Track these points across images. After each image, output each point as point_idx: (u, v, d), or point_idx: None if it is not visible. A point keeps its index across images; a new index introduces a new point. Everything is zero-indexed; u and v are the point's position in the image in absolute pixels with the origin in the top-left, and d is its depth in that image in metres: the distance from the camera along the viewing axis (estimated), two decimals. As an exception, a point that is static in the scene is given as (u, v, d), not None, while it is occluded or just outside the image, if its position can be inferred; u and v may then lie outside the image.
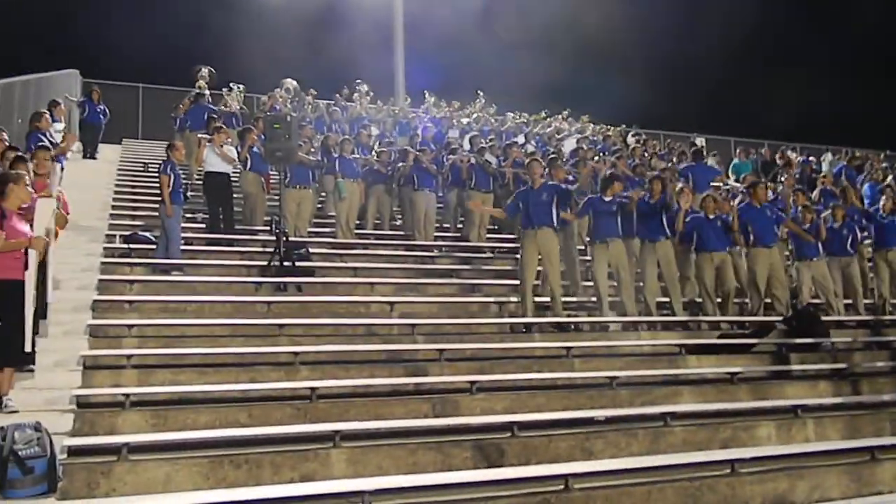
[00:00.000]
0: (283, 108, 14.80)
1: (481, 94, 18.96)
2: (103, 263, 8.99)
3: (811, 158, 17.54)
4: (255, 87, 17.48)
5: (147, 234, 10.00)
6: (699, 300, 9.59)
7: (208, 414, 5.80)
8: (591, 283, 9.53)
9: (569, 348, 7.80)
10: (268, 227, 10.71)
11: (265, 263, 9.26)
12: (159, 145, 13.30)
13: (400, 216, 12.66)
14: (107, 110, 15.59)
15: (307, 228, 11.23)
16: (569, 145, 15.96)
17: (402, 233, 12.19)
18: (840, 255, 10.25)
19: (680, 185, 10.28)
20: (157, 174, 10.02)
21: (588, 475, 5.09)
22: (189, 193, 10.16)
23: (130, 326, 7.34)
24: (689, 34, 25.13)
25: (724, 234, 9.49)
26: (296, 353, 6.96)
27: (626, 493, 5.10)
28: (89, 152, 14.94)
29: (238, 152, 11.18)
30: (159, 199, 9.61)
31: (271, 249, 9.40)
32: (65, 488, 4.59)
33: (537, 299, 8.96)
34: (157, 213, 9.79)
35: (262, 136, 10.86)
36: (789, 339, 8.61)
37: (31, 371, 6.01)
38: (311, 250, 10.10)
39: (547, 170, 9.71)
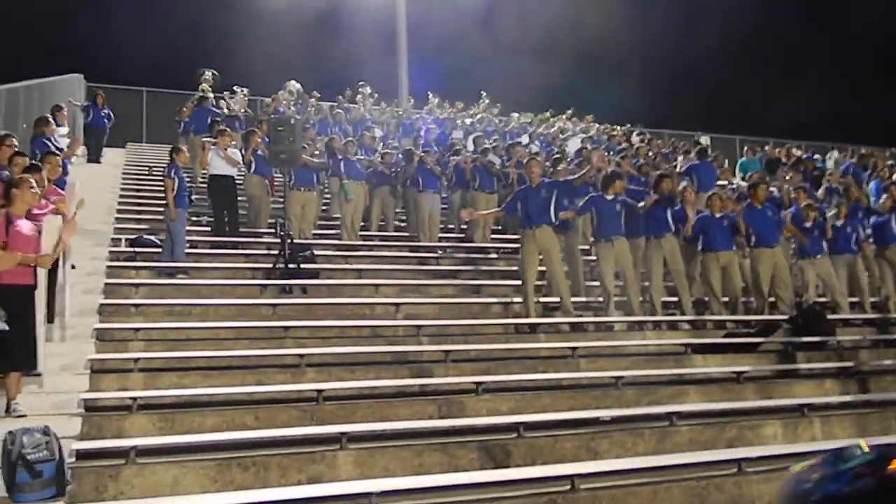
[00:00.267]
0: (286, 111, 14.83)
1: (484, 94, 18.98)
2: (109, 267, 9.03)
3: (816, 156, 17.49)
4: (258, 89, 17.54)
5: (152, 237, 10.04)
6: (705, 299, 9.58)
7: (215, 417, 5.82)
8: (594, 283, 9.54)
9: (574, 348, 7.80)
10: (272, 230, 10.74)
11: (270, 266, 9.28)
12: (163, 149, 13.33)
13: (404, 218, 12.68)
14: (111, 114, 15.65)
15: (312, 231, 11.25)
16: (573, 145, 15.95)
17: (406, 234, 12.20)
18: (844, 252, 10.22)
19: (684, 184, 10.26)
20: (161, 178, 10.06)
21: (594, 475, 5.09)
22: (193, 197, 10.19)
23: (136, 330, 7.36)
24: (690, 34, 25.11)
25: (731, 234, 9.48)
26: (301, 355, 6.97)
27: (632, 493, 5.10)
28: (94, 156, 15.00)
29: (242, 155, 11.21)
30: (164, 202, 9.64)
31: (276, 252, 9.43)
32: (73, 492, 4.61)
33: (542, 299, 8.96)
34: (161, 217, 9.83)
35: (266, 139, 10.89)
36: (795, 337, 8.59)
37: (38, 375, 6.03)
38: (315, 252, 10.11)
39: (551, 169, 9.71)
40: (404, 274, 10.12)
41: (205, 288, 8.84)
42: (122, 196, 12.65)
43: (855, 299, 10.26)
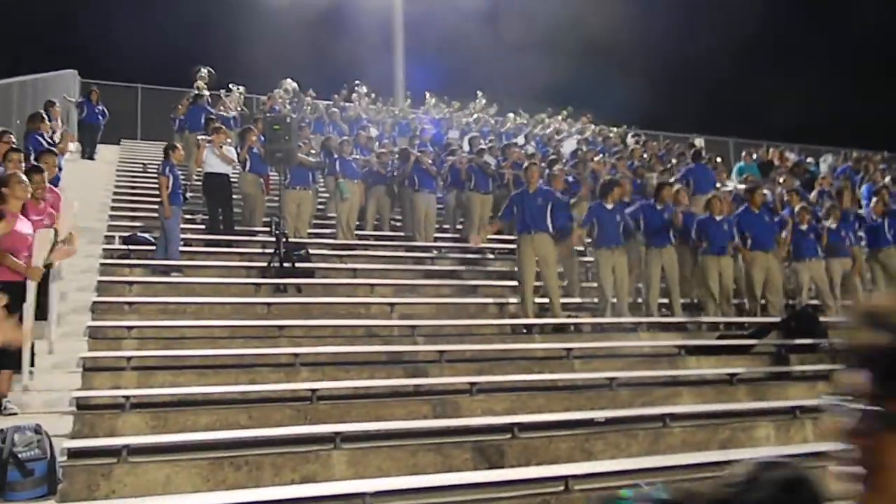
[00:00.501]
0: (282, 109, 14.80)
1: (480, 94, 18.97)
2: (102, 265, 8.98)
3: (809, 159, 17.54)
4: (254, 87, 17.49)
5: (146, 235, 10.00)
6: (695, 301, 9.60)
7: (208, 415, 5.80)
8: (589, 284, 9.55)
9: (569, 349, 7.80)
10: (267, 229, 10.71)
11: (265, 265, 9.26)
12: (158, 146, 13.30)
13: (400, 217, 12.67)
14: (105, 111, 15.57)
15: (307, 230, 11.23)
16: (568, 146, 15.96)
17: (402, 234, 12.19)
18: (838, 255, 10.26)
19: (678, 186, 10.29)
20: (156, 175, 10.03)
21: (588, 476, 5.10)
22: (188, 194, 10.16)
23: (130, 328, 7.34)
24: (689, 34, 25.15)
25: (731, 237, 9.53)
26: (296, 355, 6.96)
27: (626, 495, 5.10)
28: (88, 153, 14.92)
29: (237, 153, 11.18)
30: (158, 200, 9.61)
31: (271, 250, 9.40)
32: (65, 490, 4.59)
33: (538, 300, 8.97)
34: (156, 215, 9.79)
35: (262, 138, 10.86)
36: (788, 340, 8.62)
37: (31, 373, 6.00)
38: (311, 251, 10.10)
39: (547, 170, 9.71)
40: (400, 274, 10.11)
41: (199, 286, 8.81)
42: (116, 193, 12.60)
43: (848, 302, 10.29)
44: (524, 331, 8.51)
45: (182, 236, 9.73)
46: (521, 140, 16.29)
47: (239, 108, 15.18)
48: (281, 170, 10.62)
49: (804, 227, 10.07)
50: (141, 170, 14.47)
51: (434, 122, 17.11)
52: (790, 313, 9.24)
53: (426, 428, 5.85)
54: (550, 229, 8.77)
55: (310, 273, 9.43)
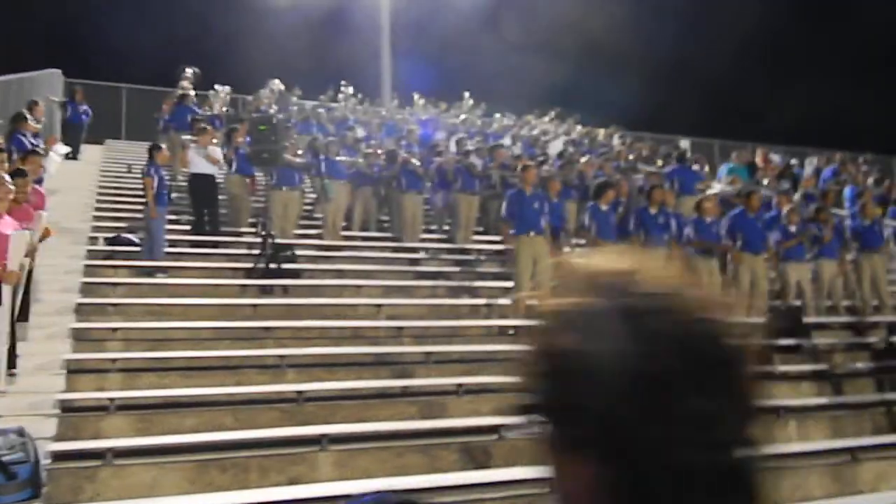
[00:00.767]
0: (268, 110, 14.74)
1: (467, 95, 19.00)
2: (86, 266, 8.92)
3: (793, 162, 17.71)
4: (241, 87, 17.39)
5: (131, 236, 9.93)
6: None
7: (194, 417, 5.78)
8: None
9: (555, 350, 7.83)
10: (253, 229, 10.67)
11: (251, 266, 9.23)
12: (143, 146, 13.22)
13: (387, 218, 12.67)
14: (89, 111, 15.46)
15: (293, 230, 11.20)
16: (555, 147, 16.03)
17: (389, 235, 12.19)
18: (828, 257, 10.38)
19: (667, 185, 10.38)
20: (140, 176, 9.97)
21: (574, 477, 5.12)
22: (173, 195, 10.11)
23: (115, 329, 7.29)
24: (679, 38, 25.32)
25: (717, 239, 9.62)
26: (282, 356, 6.94)
27: (611, 495, 5.13)
28: (72, 153, 14.79)
29: (224, 153, 11.14)
30: (143, 201, 9.55)
31: (257, 251, 9.37)
32: (49, 493, 4.56)
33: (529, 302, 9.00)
34: (140, 215, 9.73)
35: (248, 138, 10.83)
36: (771, 340, 8.69)
37: (13, 375, 5.95)
38: (297, 252, 10.07)
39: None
40: (386, 275, 10.11)
41: (185, 287, 8.76)
42: (100, 194, 12.50)
43: (830, 303, 10.42)
44: (511, 332, 8.54)
45: (167, 237, 9.68)
46: (507, 141, 16.33)
47: (224, 109, 15.12)
48: (267, 170, 10.60)
49: (793, 228, 10.18)
50: (125, 170, 14.37)
51: (421, 122, 17.12)
52: (774, 314, 9.33)
53: (413, 429, 5.86)
54: (545, 232, 8.85)
55: (296, 274, 9.41)
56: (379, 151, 12.80)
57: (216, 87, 15.58)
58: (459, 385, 6.64)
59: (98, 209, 11.48)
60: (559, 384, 0.72)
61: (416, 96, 18.68)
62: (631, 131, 20.24)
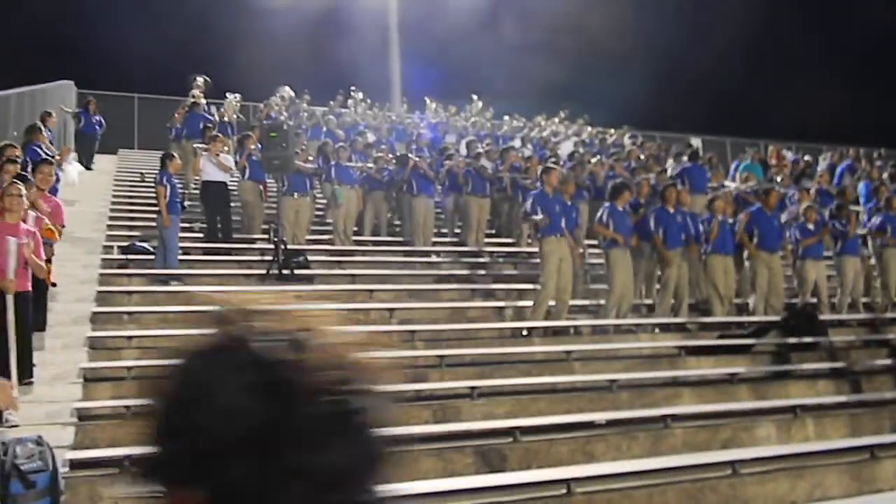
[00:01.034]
0: (279, 117, 14.82)
1: (476, 97, 19.01)
2: (101, 275, 8.99)
3: (807, 158, 17.58)
4: (251, 95, 17.51)
5: (145, 244, 10.00)
6: (692, 301, 9.63)
7: (209, 424, 5.79)
8: (587, 287, 9.57)
9: (569, 352, 7.81)
10: (266, 236, 10.72)
11: (264, 272, 9.27)
12: (155, 155, 13.33)
13: (398, 222, 12.68)
14: (102, 121, 15.59)
15: (305, 236, 11.24)
16: (565, 148, 15.99)
17: (400, 239, 12.20)
18: (850, 254, 10.30)
19: (680, 187, 10.33)
20: (153, 185, 10.04)
21: (590, 479, 5.10)
22: (186, 203, 10.17)
23: (130, 338, 7.33)
24: (687, 36, 25.22)
25: (732, 237, 9.57)
26: (296, 362, 6.94)
27: (627, 496, 5.11)
28: (85, 163, 14.93)
29: (236, 161, 11.21)
30: (156, 209, 9.62)
31: (270, 258, 9.41)
32: (67, 502, 4.59)
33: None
34: (154, 224, 9.79)
35: (260, 145, 10.89)
36: (788, 338, 8.63)
37: (30, 384, 6.00)
38: (309, 258, 10.10)
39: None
40: (399, 279, 10.12)
41: (198, 295, 8.80)
42: (113, 203, 12.60)
43: (866, 299, 10.38)
44: (525, 333, 8.51)
45: (180, 245, 9.74)
46: (517, 143, 16.32)
47: (235, 116, 15.21)
48: (278, 177, 10.64)
49: (811, 226, 10.11)
50: (138, 179, 14.48)
51: (431, 126, 17.14)
52: (790, 312, 9.26)
53: (427, 433, 5.85)
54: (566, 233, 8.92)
55: (309, 279, 9.44)
56: (390, 156, 12.83)
57: (227, 94, 15.68)
58: (473, 388, 6.63)
59: (112, 218, 11.57)
60: (171, 422, 0.70)
61: (427, 100, 18.69)
62: (640, 131, 20.18)
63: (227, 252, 10.43)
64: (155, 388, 0.72)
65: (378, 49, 21.26)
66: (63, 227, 7.22)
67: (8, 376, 5.54)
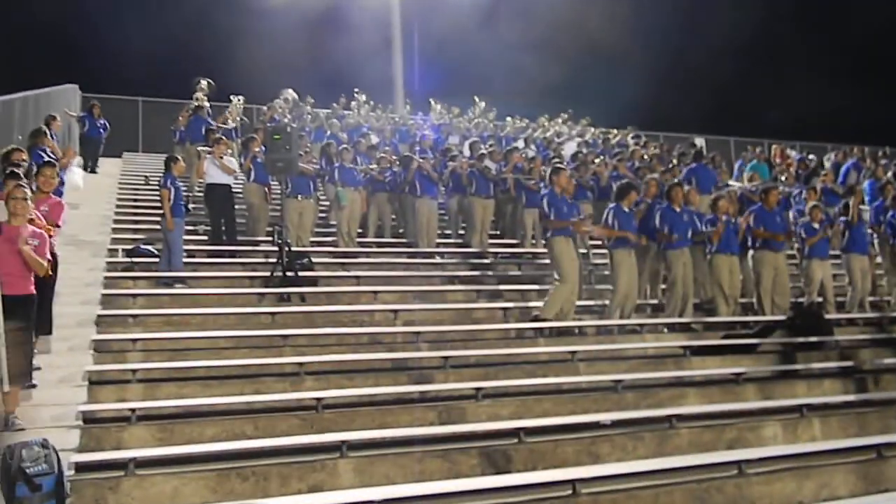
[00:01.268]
0: (282, 119, 14.84)
1: (477, 98, 19.01)
2: (106, 278, 9.01)
3: (811, 157, 17.53)
4: (254, 97, 17.54)
5: (149, 247, 10.02)
6: (696, 301, 9.60)
7: (214, 427, 5.80)
8: (591, 287, 9.55)
9: (573, 352, 7.80)
10: (270, 238, 10.73)
11: (268, 274, 9.28)
12: (159, 158, 13.37)
13: (398, 223, 12.68)
14: (107, 124, 15.65)
15: (309, 238, 11.25)
16: (569, 149, 15.97)
17: (404, 240, 12.20)
18: (858, 252, 10.26)
19: (687, 188, 10.32)
20: (157, 188, 10.06)
21: (595, 479, 5.08)
22: (190, 206, 10.19)
23: (135, 340, 7.35)
24: (689, 35, 25.20)
25: (736, 236, 9.54)
26: (300, 364, 6.96)
27: (633, 497, 5.09)
28: (90, 166, 14.99)
29: (241, 163, 11.23)
30: (160, 212, 9.64)
31: (274, 260, 9.42)
32: (73, 504, 4.60)
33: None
34: (158, 227, 9.82)
35: (264, 148, 10.91)
36: (794, 338, 8.60)
37: (33, 387, 6.00)
38: (313, 260, 10.11)
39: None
40: (403, 280, 10.12)
41: (203, 297, 8.83)
42: (118, 206, 12.65)
43: (873, 298, 10.35)
44: (542, 328, 8.45)
45: (185, 247, 9.75)
46: (520, 144, 16.32)
47: (239, 118, 15.24)
48: (282, 179, 10.65)
49: (816, 225, 10.09)
50: (143, 182, 14.52)
51: (434, 127, 17.14)
52: (795, 311, 9.23)
53: (432, 434, 5.84)
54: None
55: (313, 282, 9.44)
56: (394, 157, 12.83)
57: (230, 97, 15.72)
58: (478, 389, 6.62)
59: (116, 221, 11.61)
60: None
61: (432, 101, 18.68)
62: (643, 131, 20.15)
63: (232, 254, 10.44)
64: None
65: (381, 49, 21.28)
66: (58, 226, 7.03)
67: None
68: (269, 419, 6.00)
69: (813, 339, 8.54)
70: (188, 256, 9.84)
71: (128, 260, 9.77)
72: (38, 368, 6.24)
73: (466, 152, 13.93)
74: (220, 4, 23.91)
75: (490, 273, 10.84)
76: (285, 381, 6.78)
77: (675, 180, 10.74)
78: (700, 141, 19.24)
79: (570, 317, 8.79)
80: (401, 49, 20.79)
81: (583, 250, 10.16)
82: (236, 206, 11.17)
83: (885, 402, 7.23)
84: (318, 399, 6.18)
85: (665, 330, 9.04)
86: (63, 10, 23.06)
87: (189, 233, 10.63)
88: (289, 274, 9.15)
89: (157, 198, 10.05)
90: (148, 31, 25.15)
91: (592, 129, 18.76)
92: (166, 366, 6.88)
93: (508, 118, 18.75)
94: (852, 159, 16.17)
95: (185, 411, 6.05)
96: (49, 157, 9.63)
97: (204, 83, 15.21)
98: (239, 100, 15.68)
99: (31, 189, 6.27)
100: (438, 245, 11.94)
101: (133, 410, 5.81)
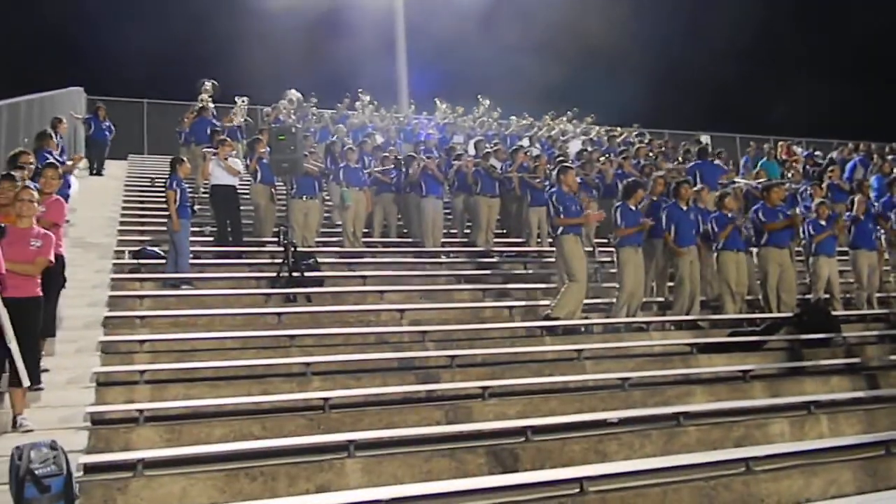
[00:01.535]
0: (286, 120, 14.87)
1: (480, 97, 18.99)
2: (113, 279, 9.04)
3: (818, 153, 17.47)
4: (258, 97, 17.58)
5: (156, 249, 10.06)
6: (703, 298, 9.58)
7: (222, 427, 5.81)
8: (597, 285, 9.53)
9: (580, 351, 7.79)
10: (276, 239, 10.75)
11: (274, 275, 9.29)
12: (165, 160, 13.41)
13: (402, 223, 12.68)
14: (112, 127, 15.69)
15: (315, 238, 11.26)
16: (574, 147, 15.96)
17: (409, 240, 12.21)
18: (866, 248, 10.22)
19: (699, 186, 10.29)
20: (163, 189, 10.09)
21: (603, 477, 5.08)
22: (196, 207, 10.22)
23: (142, 342, 7.37)
24: (692, 34, 25.16)
25: (741, 233, 9.53)
26: (307, 364, 6.97)
27: (641, 495, 5.08)
28: (95, 169, 15.05)
29: (247, 164, 11.25)
30: (166, 213, 9.67)
31: (280, 260, 9.44)
32: (82, 505, 4.61)
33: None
34: (164, 228, 9.85)
35: (268, 148, 10.93)
36: (801, 334, 8.57)
37: (40, 389, 6.03)
38: (319, 260, 10.12)
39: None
40: (409, 280, 10.12)
41: (209, 298, 8.85)
42: (124, 208, 12.69)
43: (880, 294, 10.32)
44: (548, 325, 8.43)
45: (191, 249, 9.78)
46: (525, 142, 16.31)
47: (243, 119, 15.27)
48: (287, 179, 10.67)
49: (823, 221, 10.05)
50: (148, 184, 14.56)
51: (439, 126, 17.14)
52: (802, 308, 9.20)
53: (439, 434, 5.84)
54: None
55: (319, 282, 9.46)
56: (398, 157, 12.84)
57: (235, 98, 15.76)
58: (484, 388, 6.62)
59: (123, 223, 11.65)
60: None
61: (437, 101, 18.68)
62: (648, 129, 20.12)
63: (238, 255, 10.47)
64: None
65: (385, 50, 21.30)
66: (58, 224, 6.98)
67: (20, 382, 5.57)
68: (277, 419, 6.01)
69: (820, 335, 8.51)
70: (194, 258, 9.86)
71: (134, 262, 9.81)
72: (47, 370, 6.28)
73: (471, 151, 13.93)
74: (223, 6, 24.00)
75: (496, 272, 10.83)
76: (292, 382, 6.79)
77: (683, 178, 10.71)
78: (705, 137, 19.19)
79: (577, 315, 8.78)
80: (404, 48, 20.79)
81: (588, 248, 10.15)
82: (243, 208, 11.20)
83: (892, 399, 7.20)
84: (326, 399, 6.19)
85: (672, 327, 9.03)
86: (67, 14, 23.17)
87: (195, 234, 10.65)
88: (295, 274, 9.16)
89: (163, 199, 10.08)
90: (152, 34, 25.21)
91: (597, 128, 18.74)
92: (174, 367, 6.90)
93: (513, 117, 18.73)
94: (858, 155, 16.11)
95: (193, 412, 6.06)
96: (55, 159, 9.68)
97: (209, 85, 15.25)
98: (243, 101, 15.72)
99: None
100: (444, 244, 11.95)
101: (141, 411, 5.83)
